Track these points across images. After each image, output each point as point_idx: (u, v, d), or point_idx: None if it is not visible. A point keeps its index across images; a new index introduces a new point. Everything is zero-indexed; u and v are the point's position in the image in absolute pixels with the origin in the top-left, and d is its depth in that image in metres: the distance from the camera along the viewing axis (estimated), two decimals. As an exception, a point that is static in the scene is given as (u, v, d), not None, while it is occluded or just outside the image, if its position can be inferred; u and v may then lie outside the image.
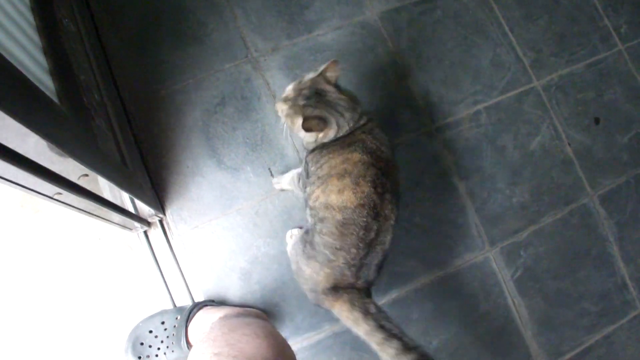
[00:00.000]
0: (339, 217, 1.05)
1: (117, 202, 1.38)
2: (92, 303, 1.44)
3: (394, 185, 1.11)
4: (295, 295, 1.43)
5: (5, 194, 1.52)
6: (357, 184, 1.05)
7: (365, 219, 1.04)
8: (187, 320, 1.34)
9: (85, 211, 1.19)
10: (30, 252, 1.49)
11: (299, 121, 1.07)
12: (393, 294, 1.47)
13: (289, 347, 0.96)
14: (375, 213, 1.05)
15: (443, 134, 1.56)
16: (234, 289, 1.43)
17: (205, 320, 1.31)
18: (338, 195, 1.05)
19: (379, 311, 1.08)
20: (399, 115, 1.55)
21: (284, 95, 1.11)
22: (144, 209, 1.43)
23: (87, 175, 1.14)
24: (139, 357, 1.37)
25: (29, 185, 0.88)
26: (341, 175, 1.06)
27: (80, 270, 1.47)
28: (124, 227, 1.44)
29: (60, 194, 0.99)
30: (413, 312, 1.47)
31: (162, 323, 1.39)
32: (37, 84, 0.80)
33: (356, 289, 1.10)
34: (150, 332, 1.39)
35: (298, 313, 1.43)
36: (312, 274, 1.13)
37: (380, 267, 1.13)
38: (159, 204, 1.46)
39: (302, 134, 1.11)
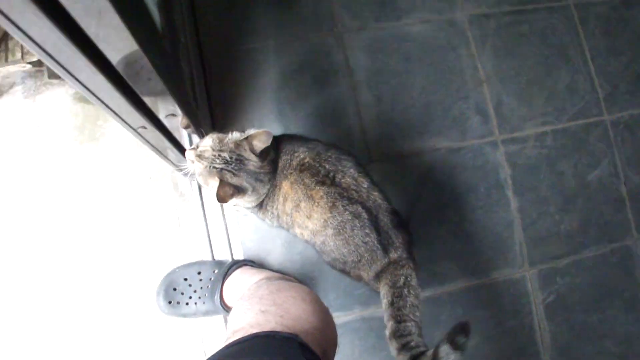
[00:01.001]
0: (330, 232, 1.07)
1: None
2: (134, 240, 1.49)
3: (332, 158, 1.09)
4: (333, 273, 1.46)
5: (65, 116, 1.56)
6: (311, 197, 1.05)
7: (347, 212, 1.04)
8: (225, 276, 1.37)
9: (156, 148, 1.22)
10: (81, 179, 1.53)
11: (214, 184, 1.01)
12: (427, 293, 1.51)
13: (331, 317, 0.98)
14: (347, 197, 1.04)
15: (507, 147, 1.59)
16: (276, 255, 1.47)
17: (243, 280, 1.34)
18: (311, 220, 1.07)
19: (404, 284, 1.08)
20: (468, 119, 1.58)
21: (199, 149, 1.03)
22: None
23: (174, 115, 1.17)
24: (169, 302, 1.41)
25: (121, 114, 0.92)
26: (297, 206, 1.07)
27: (126, 205, 1.51)
28: (180, 169, 1.48)
29: (144, 128, 1.02)
30: (442, 314, 1.51)
31: (199, 273, 1.43)
32: (152, 14, 0.84)
33: (392, 262, 1.10)
34: (185, 279, 1.43)
35: (332, 291, 1.47)
36: (357, 275, 1.15)
37: (400, 224, 1.11)
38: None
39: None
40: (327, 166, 1.06)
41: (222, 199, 1.00)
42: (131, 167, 1.53)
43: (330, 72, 1.54)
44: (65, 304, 1.44)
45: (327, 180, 1.05)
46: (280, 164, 1.09)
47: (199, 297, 1.41)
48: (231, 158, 1.01)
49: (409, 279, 1.09)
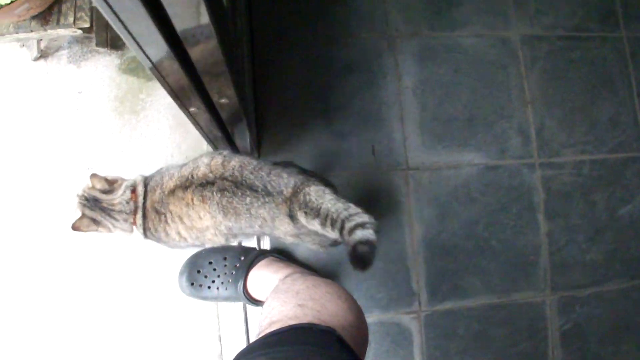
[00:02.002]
0: (220, 217, 1.13)
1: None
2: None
3: (189, 166, 1.18)
4: (356, 274, 1.51)
5: (108, 86, 1.60)
6: (188, 204, 1.14)
7: (214, 193, 1.12)
8: (251, 265, 1.41)
9: (203, 131, 1.26)
10: (117, 149, 1.57)
11: (78, 216, 1.18)
12: (447, 304, 1.55)
13: (364, 315, 1.01)
14: (207, 183, 1.13)
15: (544, 171, 1.63)
16: (303, 249, 1.51)
17: (269, 271, 1.38)
18: (204, 219, 1.14)
19: (305, 199, 1.12)
20: (509, 138, 1.62)
21: (78, 192, 1.21)
22: (244, 145, 1.51)
23: (226, 100, 1.21)
24: (192, 284, 1.45)
25: (180, 94, 0.96)
26: (188, 217, 1.15)
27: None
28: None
29: (197, 110, 1.07)
30: (460, 328, 1.55)
31: (224, 259, 1.47)
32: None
33: (291, 196, 1.12)
34: (210, 263, 1.46)
35: (354, 292, 1.51)
36: (285, 231, 1.18)
37: (272, 167, 1.17)
38: (257, 144, 1.53)
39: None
40: (185, 173, 1.16)
41: (76, 227, 1.18)
42: (166, 144, 1.57)
43: (379, 74, 1.58)
44: (89, 272, 1.49)
45: (188, 182, 1.13)
46: (149, 201, 1.19)
47: (222, 283, 1.45)
48: (89, 197, 1.18)
49: (306, 194, 1.12)
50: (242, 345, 1.50)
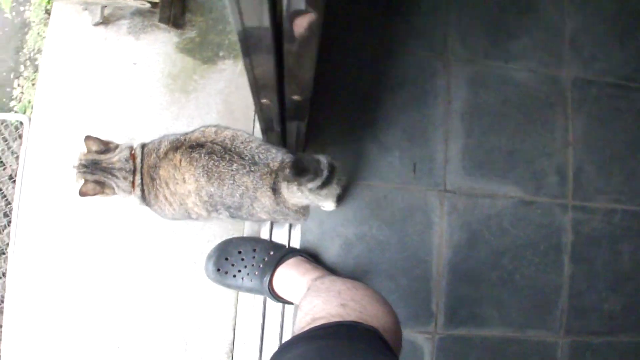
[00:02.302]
0: (203, 181, 1.18)
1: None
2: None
3: (185, 133, 1.24)
4: (383, 287, 1.53)
5: (163, 62, 1.62)
6: (175, 166, 1.19)
7: (202, 155, 1.17)
8: (279, 261, 1.44)
9: (264, 123, 1.29)
10: (162, 123, 1.60)
11: (81, 183, 1.22)
12: (462, 330, 1.57)
13: (399, 320, 1.05)
14: (197, 145, 1.19)
15: (576, 213, 1.66)
16: (331, 253, 1.53)
17: (298, 271, 1.40)
18: (187, 183, 1.19)
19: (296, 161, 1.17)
20: (546, 176, 1.65)
21: (74, 163, 1.25)
22: (291, 142, 1.54)
23: (298, 97, 1.23)
24: (218, 269, 1.48)
25: (260, 84, 0.99)
26: (173, 179, 1.20)
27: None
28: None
29: (269, 103, 1.10)
30: (471, 356, 1.57)
31: (254, 250, 1.49)
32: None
33: (276, 171, 1.18)
34: (239, 252, 1.49)
35: (374, 303, 1.53)
36: (262, 206, 1.22)
37: (263, 142, 1.23)
38: (305, 142, 1.56)
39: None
40: (179, 137, 1.22)
41: (83, 193, 1.21)
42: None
43: (431, 94, 1.61)
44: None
45: (179, 144, 1.19)
46: (146, 165, 1.24)
47: (247, 274, 1.47)
48: (87, 163, 1.22)
49: (296, 159, 1.17)
50: (256, 337, 1.52)
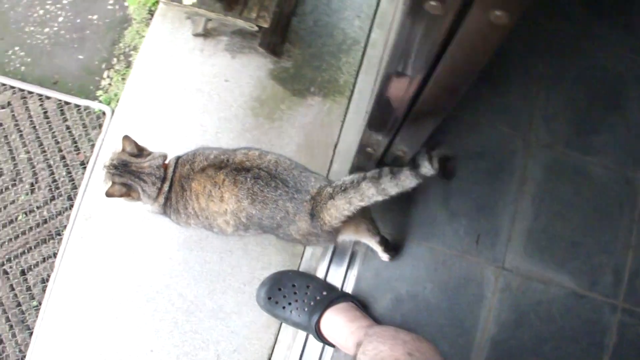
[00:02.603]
0: (246, 203, 1.21)
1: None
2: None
3: (225, 152, 1.29)
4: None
5: (253, 85, 1.68)
6: (216, 184, 1.22)
7: (248, 179, 1.20)
8: (331, 302, 1.47)
9: (357, 164, 1.33)
10: (240, 143, 1.64)
11: (108, 185, 1.26)
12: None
13: None
14: (243, 169, 1.22)
15: (624, 316, 1.68)
16: (381, 305, 1.56)
17: (346, 317, 1.43)
18: (225, 202, 1.22)
19: (335, 186, 1.19)
20: (602, 274, 1.67)
21: (105, 162, 1.30)
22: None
23: (403, 151, 1.27)
24: (269, 298, 1.51)
25: (377, 126, 1.04)
26: (209, 197, 1.23)
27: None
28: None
29: (373, 151, 1.15)
30: None
31: (307, 287, 1.52)
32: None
33: (316, 195, 1.21)
34: (293, 285, 1.52)
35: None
36: (298, 229, 1.25)
37: (302, 168, 1.27)
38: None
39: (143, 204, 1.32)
40: (221, 157, 1.25)
41: (110, 194, 1.25)
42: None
43: (506, 171, 1.65)
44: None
45: (224, 164, 1.22)
46: (178, 174, 1.28)
47: (297, 308, 1.51)
48: (118, 164, 1.26)
49: (335, 187, 1.19)
50: (290, 373, 1.55)
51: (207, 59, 1.69)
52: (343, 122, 1.63)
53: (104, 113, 1.74)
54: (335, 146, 1.62)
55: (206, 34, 1.69)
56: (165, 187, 1.30)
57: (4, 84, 1.84)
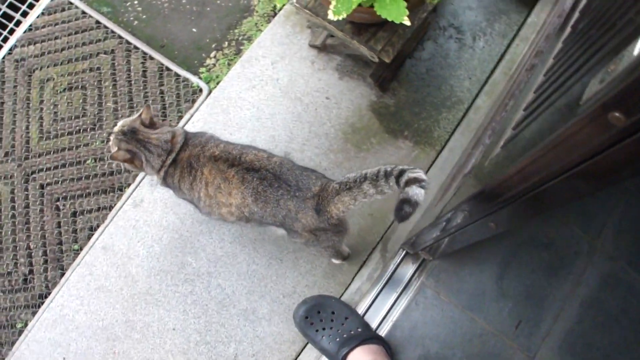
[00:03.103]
0: (250, 200, 1.31)
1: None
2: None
3: (237, 146, 1.38)
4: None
5: (351, 110, 1.74)
6: (226, 179, 1.31)
7: (255, 179, 1.30)
8: (364, 340, 1.52)
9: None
10: (322, 166, 1.71)
11: (114, 149, 1.35)
12: None
13: None
14: (252, 169, 1.31)
15: None
16: (407, 357, 1.61)
17: (376, 359, 1.49)
18: (232, 197, 1.32)
19: (340, 183, 1.29)
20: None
21: (114, 129, 1.38)
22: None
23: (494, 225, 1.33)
24: (306, 317, 1.57)
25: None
26: (218, 188, 1.33)
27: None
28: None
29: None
30: None
31: (346, 318, 1.58)
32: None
33: (319, 192, 1.31)
34: (332, 313, 1.58)
35: None
36: (304, 226, 1.34)
37: (302, 169, 1.36)
38: (436, 251, 1.66)
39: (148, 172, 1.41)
40: (234, 152, 1.34)
41: (114, 158, 1.35)
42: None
43: (565, 268, 1.70)
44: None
45: (236, 161, 1.32)
46: (188, 152, 1.38)
47: (329, 335, 1.56)
48: (127, 130, 1.35)
49: (340, 184, 1.28)
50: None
51: (316, 72, 1.76)
52: (425, 173, 1.69)
53: (200, 90, 1.82)
54: (411, 193, 1.68)
55: (322, 48, 1.76)
56: (169, 161, 1.39)
57: (113, 32, 1.92)
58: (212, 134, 1.44)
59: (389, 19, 1.22)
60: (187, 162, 1.37)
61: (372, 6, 1.29)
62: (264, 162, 1.34)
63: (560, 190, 0.88)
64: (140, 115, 1.39)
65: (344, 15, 1.28)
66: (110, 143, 1.39)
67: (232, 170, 1.32)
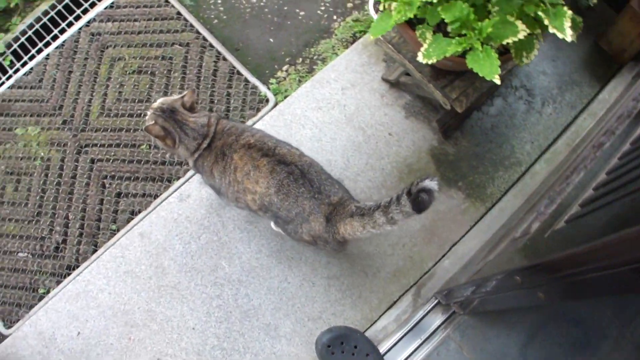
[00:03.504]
0: (272, 190, 1.37)
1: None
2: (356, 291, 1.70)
3: (273, 139, 1.45)
4: None
5: (411, 148, 1.79)
6: (257, 167, 1.37)
7: (283, 172, 1.36)
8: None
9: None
10: (367, 194, 1.75)
11: (150, 123, 1.40)
12: None
13: None
14: (284, 162, 1.38)
15: None
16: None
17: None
18: (259, 185, 1.38)
19: (358, 207, 1.35)
20: None
21: (153, 105, 1.43)
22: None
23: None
24: (329, 346, 1.60)
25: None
26: (247, 174, 1.39)
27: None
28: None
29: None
30: None
31: (367, 355, 1.61)
32: None
33: (334, 204, 1.38)
34: (355, 347, 1.61)
35: None
36: (310, 229, 1.41)
37: (328, 175, 1.44)
38: (467, 306, 1.70)
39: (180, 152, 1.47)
40: (269, 143, 1.41)
41: (148, 130, 1.40)
42: (401, 235, 1.74)
43: (590, 348, 1.72)
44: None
45: (270, 152, 1.38)
46: (222, 140, 1.43)
47: (348, 366, 1.60)
48: (166, 108, 1.40)
49: (358, 206, 1.35)
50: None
51: (383, 106, 1.81)
52: (471, 228, 1.73)
53: (267, 100, 1.88)
54: (454, 245, 1.72)
55: (394, 83, 1.82)
56: (204, 145, 1.45)
57: (192, 26, 1.99)
58: (248, 125, 1.52)
59: (480, 74, 1.25)
60: (221, 150, 1.43)
61: (461, 56, 1.32)
62: (295, 158, 1.40)
63: (623, 280, 0.92)
64: (182, 97, 1.45)
65: (434, 60, 1.31)
66: (147, 117, 1.44)
67: (264, 160, 1.38)
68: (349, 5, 1.99)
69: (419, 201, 1.20)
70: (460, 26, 1.28)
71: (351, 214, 1.33)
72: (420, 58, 1.34)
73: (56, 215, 1.90)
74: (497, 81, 1.24)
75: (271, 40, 1.96)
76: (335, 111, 1.81)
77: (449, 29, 1.29)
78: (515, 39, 1.26)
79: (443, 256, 1.72)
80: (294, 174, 1.36)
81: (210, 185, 1.56)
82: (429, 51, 1.33)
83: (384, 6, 1.36)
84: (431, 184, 1.20)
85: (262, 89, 1.90)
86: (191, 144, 1.44)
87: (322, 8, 1.99)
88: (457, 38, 1.28)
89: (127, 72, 1.99)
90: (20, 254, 1.91)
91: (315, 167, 1.42)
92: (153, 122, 1.41)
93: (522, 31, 1.25)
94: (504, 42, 1.26)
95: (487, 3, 1.30)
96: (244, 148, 1.40)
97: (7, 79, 2.15)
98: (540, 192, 1.71)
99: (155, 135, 1.42)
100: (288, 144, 1.46)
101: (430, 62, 1.32)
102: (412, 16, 1.27)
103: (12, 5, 2.18)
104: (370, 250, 1.71)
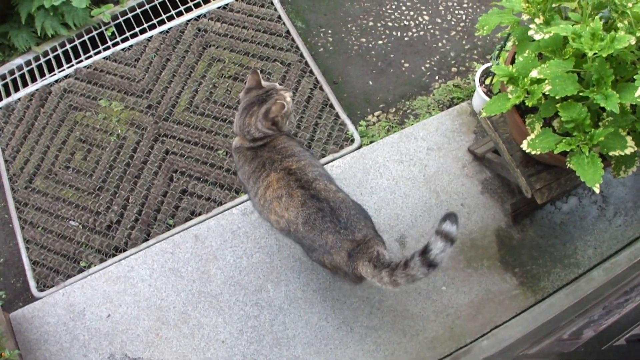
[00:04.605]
0: (300, 221, 1.47)
1: None
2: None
3: (316, 169, 1.54)
4: None
5: (482, 230, 1.90)
6: (291, 195, 1.47)
7: (314, 207, 1.46)
8: None
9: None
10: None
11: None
12: None
13: None
14: (317, 198, 1.46)
15: None
16: None
17: None
18: (288, 212, 1.48)
19: (377, 256, 1.43)
20: None
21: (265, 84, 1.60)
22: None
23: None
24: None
25: None
26: (278, 198, 1.49)
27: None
28: None
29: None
30: None
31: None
32: None
33: (357, 242, 1.46)
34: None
35: None
36: (331, 260, 1.49)
37: (361, 213, 1.52)
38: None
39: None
40: (309, 175, 1.50)
41: (254, 74, 1.59)
42: (448, 304, 1.84)
43: None
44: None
45: (306, 185, 1.47)
46: (270, 154, 1.55)
47: None
48: (262, 95, 1.58)
49: (380, 254, 1.43)
50: None
51: (462, 176, 1.93)
52: (517, 315, 1.83)
53: (352, 140, 2.01)
54: (496, 327, 1.82)
55: (479, 157, 1.93)
56: (256, 144, 1.58)
57: (297, 48, 2.16)
58: (302, 150, 1.61)
59: (582, 179, 1.33)
60: (264, 161, 1.55)
61: (561, 153, 1.41)
62: (330, 194, 1.50)
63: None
64: (273, 104, 1.58)
65: (538, 152, 1.41)
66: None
67: (299, 191, 1.48)
68: (454, 69, 2.13)
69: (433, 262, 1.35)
70: (574, 127, 1.38)
71: (370, 259, 1.43)
72: (524, 146, 1.44)
73: (117, 195, 2.04)
74: (597, 190, 1.33)
75: (370, 82, 2.10)
76: (416, 169, 1.93)
77: (554, 123, 1.39)
78: (622, 153, 1.35)
79: (483, 335, 1.81)
80: (323, 211, 1.46)
81: (240, 177, 1.67)
82: (535, 142, 1.43)
83: (499, 88, 1.48)
84: (452, 228, 1.35)
85: (351, 127, 2.03)
86: (247, 136, 1.58)
87: (427, 65, 2.13)
88: (567, 138, 1.38)
89: (223, 75, 2.15)
90: (72, 222, 2.05)
91: (347, 202, 1.51)
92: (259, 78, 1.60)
93: (630, 147, 1.35)
94: (610, 153, 1.36)
95: (602, 111, 1.41)
96: (284, 171, 1.51)
97: (105, 49, 2.33)
98: (594, 299, 1.79)
99: (275, 114, 1.56)
100: (328, 178, 1.57)
101: (533, 152, 1.41)
102: (530, 105, 1.38)
103: (128, -21, 2.36)
104: (415, 311, 1.81)
